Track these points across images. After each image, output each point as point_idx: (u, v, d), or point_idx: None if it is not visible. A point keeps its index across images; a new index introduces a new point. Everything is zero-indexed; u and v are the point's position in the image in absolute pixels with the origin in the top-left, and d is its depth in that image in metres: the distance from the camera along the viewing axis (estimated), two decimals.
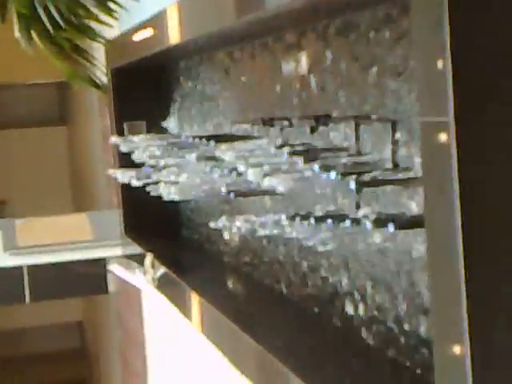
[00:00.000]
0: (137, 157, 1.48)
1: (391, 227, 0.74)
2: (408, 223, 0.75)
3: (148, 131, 1.83)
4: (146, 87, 1.94)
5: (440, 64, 0.62)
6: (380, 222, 0.75)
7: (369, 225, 0.78)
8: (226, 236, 1.65)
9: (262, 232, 0.89)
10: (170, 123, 1.93)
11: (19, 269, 3.21)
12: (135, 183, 1.42)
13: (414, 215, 0.79)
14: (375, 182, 0.82)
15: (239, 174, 0.99)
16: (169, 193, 1.27)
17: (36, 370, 7.03)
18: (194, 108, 1.80)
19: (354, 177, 0.83)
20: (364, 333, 1.05)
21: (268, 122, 1.22)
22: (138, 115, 1.93)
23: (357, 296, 1.07)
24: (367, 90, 0.99)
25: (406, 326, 0.94)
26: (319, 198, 1.15)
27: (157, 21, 1.57)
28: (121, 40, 1.91)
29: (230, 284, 1.58)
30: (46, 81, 6.16)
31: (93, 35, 1.71)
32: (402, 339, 0.95)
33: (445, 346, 0.65)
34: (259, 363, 1.20)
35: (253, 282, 1.49)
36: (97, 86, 1.90)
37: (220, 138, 1.39)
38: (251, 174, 0.87)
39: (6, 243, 2.71)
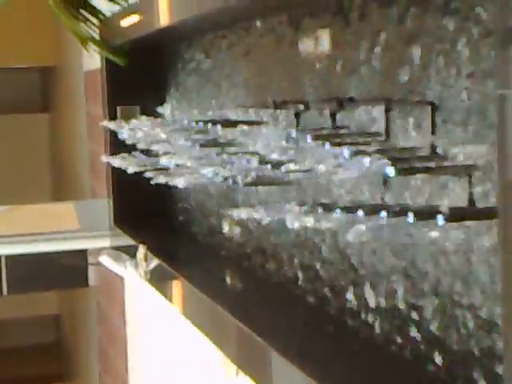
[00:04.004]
0: (133, 141, 1.39)
1: (440, 219, 0.66)
2: (460, 215, 0.67)
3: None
4: (140, 70, 1.85)
5: None
6: (427, 215, 0.66)
7: (411, 217, 0.70)
8: (226, 228, 1.57)
9: (291, 224, 0.80)
10: (165, 109, 1.84)
11: None
12: (133, 170, 1.32)
13: (468, 207, 0.71)
14: (417, 170, 0.74)
15: (262, 162, 0.89)
16: (173, 180, 1.18)
17: (10, 363, 6.89)
18: (192, 93, 1.71)
19: (391, 163, 0.75)
20: (369, 321, 0.97)
21: (281, 106, 1.13)
22: (132, 100, 1.84)
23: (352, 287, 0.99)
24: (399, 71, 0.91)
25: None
26: (336, 188, 1.07)
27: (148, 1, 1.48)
28: (113, 20, 1.82)
29: (227, 278, 1.49)
30: (28, 65, 6.02)
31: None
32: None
33: None
34: (256, 360, 1.13)
35: (251, 276, 1.41)
36: (110, 50, 1.77)
37: (224, 123, 1.29)
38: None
39: None
